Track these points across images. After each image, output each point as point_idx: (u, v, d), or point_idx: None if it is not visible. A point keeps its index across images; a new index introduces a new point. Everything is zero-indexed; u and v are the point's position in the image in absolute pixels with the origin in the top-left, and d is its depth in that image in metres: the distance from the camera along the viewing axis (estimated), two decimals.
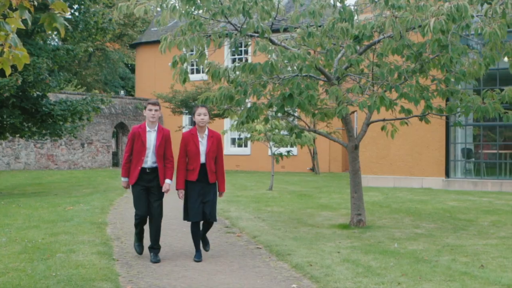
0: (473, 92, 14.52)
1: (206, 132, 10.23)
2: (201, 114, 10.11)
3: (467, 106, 12.75)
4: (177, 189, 10.27)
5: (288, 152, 23.96)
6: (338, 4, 11.83)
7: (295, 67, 12.34)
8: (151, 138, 10.15)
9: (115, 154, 42.58)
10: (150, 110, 10.14)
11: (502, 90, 13.19)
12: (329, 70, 13.19)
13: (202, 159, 10.14)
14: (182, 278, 9.01)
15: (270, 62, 11.62)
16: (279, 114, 13.45)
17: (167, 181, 10.21)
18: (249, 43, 12.42)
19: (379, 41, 12.78)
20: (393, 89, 12.28)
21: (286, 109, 12.96)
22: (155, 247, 10.32)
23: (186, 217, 10.34)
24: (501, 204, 18.26)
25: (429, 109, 13.06)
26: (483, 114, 12.60)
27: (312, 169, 36.87)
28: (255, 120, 13.44)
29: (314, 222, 14.42)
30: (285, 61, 11.87)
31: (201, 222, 10.47)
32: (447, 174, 25.55)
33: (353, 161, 13.91)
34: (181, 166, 10.19)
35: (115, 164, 41.66)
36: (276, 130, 22.37)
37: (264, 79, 12.63)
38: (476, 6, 12.04)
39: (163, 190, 10.24)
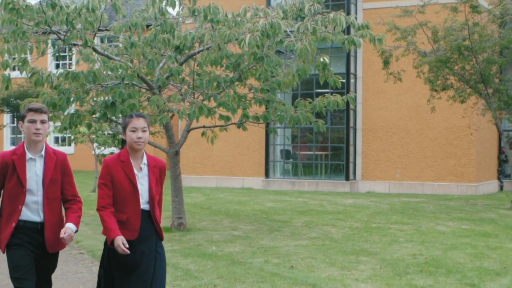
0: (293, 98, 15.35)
1: (145, 159, 6.10)
2: (138, 130, 5.95)
3: (281, 115, 13.54)
4: (111, 239, 5.80)
5: (112, 153, 24.08)
6: (160, 17, 12.26)
7: (118, 74, 12.65)
8: (35, 170, 6.01)
9: None
10: (33, 122, 5.97)
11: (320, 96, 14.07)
12: (151, 78, 13.59)
13: (144, 204, 6.00)
14: (5, 286, 9.08)
15: (93, 72, 11.91)
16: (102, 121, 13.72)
17: (70, 225, 6.01)
18: (73, 51, 12.67)
19: (199, 52, 13.33)
20: (212, 98, 12.90)
21: (108, 116, 13.28)
22: None
23: None
24: (315, 205, 19.36)
25: (245, 117, 13.77)
26: (295, 123, 13.43)
27: None
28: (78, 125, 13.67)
29: None
30: (108, 71, 12.19)
31: None
32: (267, 175, 26.59)
33: (174, 167, 14.40)
34: (106, 209, 5.91)
35: None
36: (100, 132, 22.45)
37: (88, 86, 12.88)
38: (290, 21, 12.83)
39: (66, 240, 5.91)
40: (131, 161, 6.01)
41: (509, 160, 20.63)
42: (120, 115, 13.10)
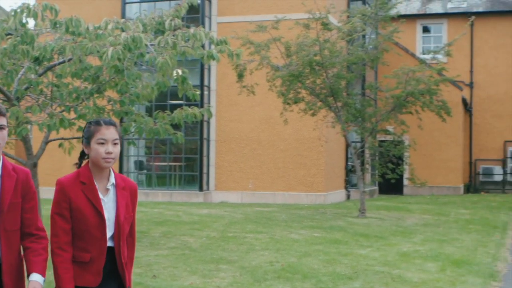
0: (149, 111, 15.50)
1: (112, 178, 4.65)
2: (108, 142, 4.49)
3: (140, 127, 13.70)
4: None
5: None
6: (20, 28, 12.17)
7: None
8: None
9: None
10: None
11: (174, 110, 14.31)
12: (9, 89, 13.42)
13: (109, 239, 4.58)
14: None
15: None
16: None
17: (36, 277, 4.36)
18: None
19: (60, 63, 13.30)
20: (72, 110, 12.91)
21: None
22: None
23: None
24: (170, 215, 19.57)
25: None
26: (155, 135, 13.63)
27: None
28: None
29: None
30: None
31: None
32: None
33: (33, 179, 14.21)
34: (64, 252, 4.52)
35: None
36: None
37: None
38: (149, 35, 13.05)
39: None
40: (95, 182, 4.55)
41: (356, 170, 21.62)
42: None
